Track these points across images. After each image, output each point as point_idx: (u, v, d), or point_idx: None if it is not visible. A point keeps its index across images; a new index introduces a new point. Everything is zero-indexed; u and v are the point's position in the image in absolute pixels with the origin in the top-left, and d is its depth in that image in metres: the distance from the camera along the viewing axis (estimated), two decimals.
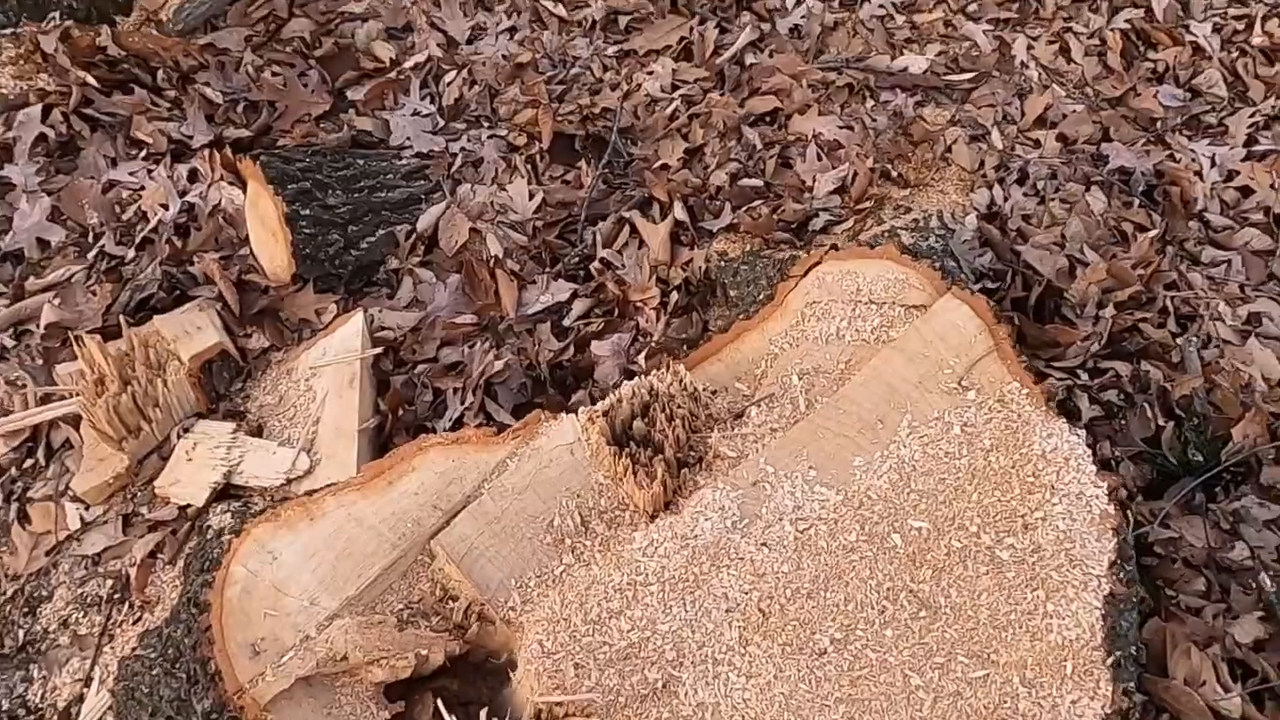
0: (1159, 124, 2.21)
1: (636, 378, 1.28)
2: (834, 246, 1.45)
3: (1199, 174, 2.12)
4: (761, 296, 1.46)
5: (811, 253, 1.39)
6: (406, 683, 1.15)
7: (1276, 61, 2.35)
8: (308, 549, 1.14)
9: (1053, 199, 2.01)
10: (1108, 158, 2.11)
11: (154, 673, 1.28)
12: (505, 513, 1.18)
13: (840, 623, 1.07)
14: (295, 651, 1.08)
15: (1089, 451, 1.19)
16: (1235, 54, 2.36)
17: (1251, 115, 2.23)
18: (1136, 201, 2.04)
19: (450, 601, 1.15)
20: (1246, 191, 2.10)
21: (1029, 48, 2.34)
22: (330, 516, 1.17)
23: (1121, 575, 1.13)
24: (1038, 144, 2.14)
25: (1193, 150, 2.16)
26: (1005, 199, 2.00)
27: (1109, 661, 1.05)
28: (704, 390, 1.31)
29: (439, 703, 1.06)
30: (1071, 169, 2.08)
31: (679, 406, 1.26)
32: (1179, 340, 1.74)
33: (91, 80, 2.07)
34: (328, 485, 1.22)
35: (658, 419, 1.24)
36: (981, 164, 2.08)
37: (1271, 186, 2.09)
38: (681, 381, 1.28)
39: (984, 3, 2.44)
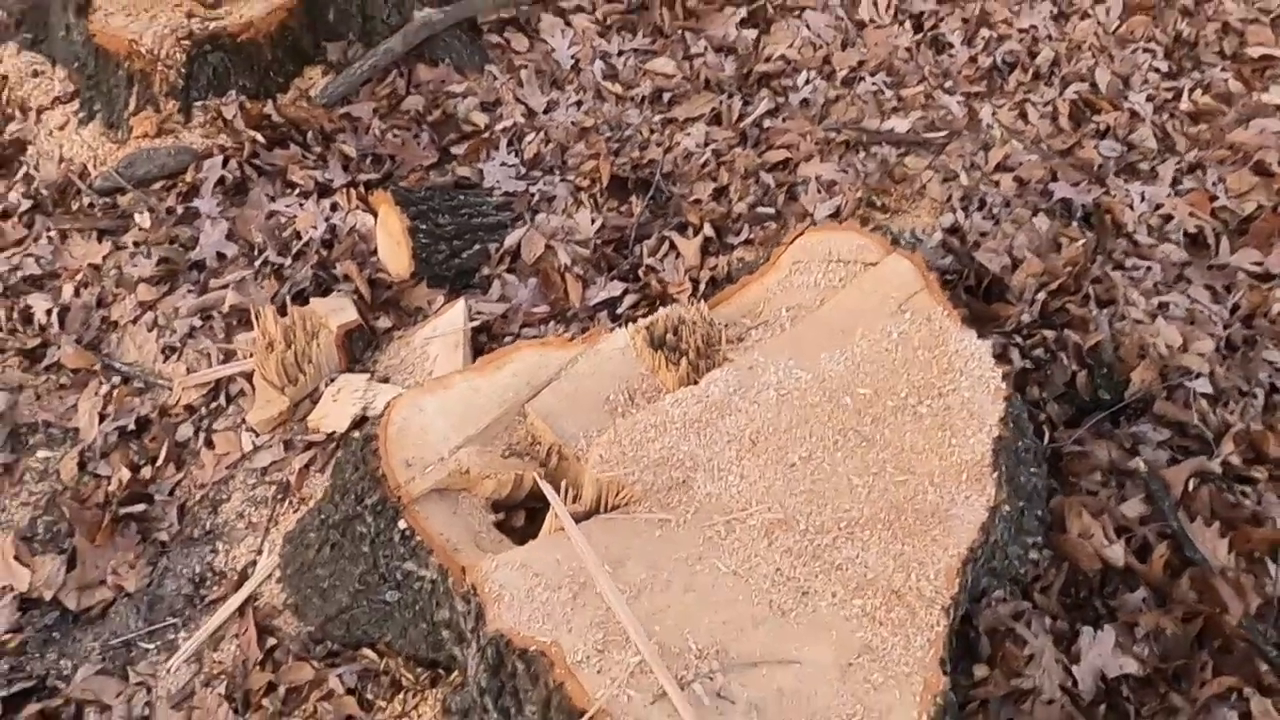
0: (1099, 168, 2.73)
1: (670, 306, 1.81)
2: (813, 221, 1.97)
3: (1130, 205, 2.62)
4: (761, 261, 1.99)
5: (797, 227, 1.92)
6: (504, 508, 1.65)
7: (1200, 121, 2.87)
8: (442, 404, 1.66)
9: (1005, 221, 2.53)
10: (1054, 193, 2.62)
11: (319, 521, 1.80)
12: (576, 389, 1.70)
13: (806, 448, 1.55)
14: (434, 466, 1.59)
15: (989, 348, 1.67)
16: (1166, 117, 2.89)
17: (1178, 162, 2.74)
18: (1075, 223, 2.55)
19: (537, 444, 1.66)
20: (1168, 218, 2.59)
21: (994, 113, 2.89)
22: (457, 387, 1.69)
23: (1009, 427, 1.60)
24: (997, 184, 2.67)
25: (1126, 189, 2.67)
26: (966, 220, 2.52)
27: (994, 475, 1.52)
28: (717, 321, 1.83)
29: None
30: (1023, 200, 2.60)
31: (699, 327, 1.77)
32: (1097, 315, 2.22)
33: (259, 139, 2.71)
34: (456, 371, 1.74)
35: (684, 333, 1.76)
36: (949, 196, 2.61)
37: (1190, 214, 2.58)
38: (701, 311, 1.80)
39: (957, 80, 3.01)
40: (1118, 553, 1.76)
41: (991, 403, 1.60)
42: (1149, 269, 2.44)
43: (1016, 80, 3.00)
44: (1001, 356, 2.09)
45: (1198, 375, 2.10)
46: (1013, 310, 2.22)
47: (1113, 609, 1.75)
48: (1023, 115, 2.90)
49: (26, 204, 2.67)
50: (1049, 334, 2.16)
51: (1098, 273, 2.37)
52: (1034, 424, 1.96)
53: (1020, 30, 3.15)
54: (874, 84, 2.98)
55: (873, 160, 2.73)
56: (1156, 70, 3.03)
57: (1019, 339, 2.15)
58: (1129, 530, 1.83)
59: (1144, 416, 2.05)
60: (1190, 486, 1.89)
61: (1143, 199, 2.63)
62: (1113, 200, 2.62)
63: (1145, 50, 3.08)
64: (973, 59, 3.07)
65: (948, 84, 3.00)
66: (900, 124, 2.84)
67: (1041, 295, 2.25)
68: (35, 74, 2.98)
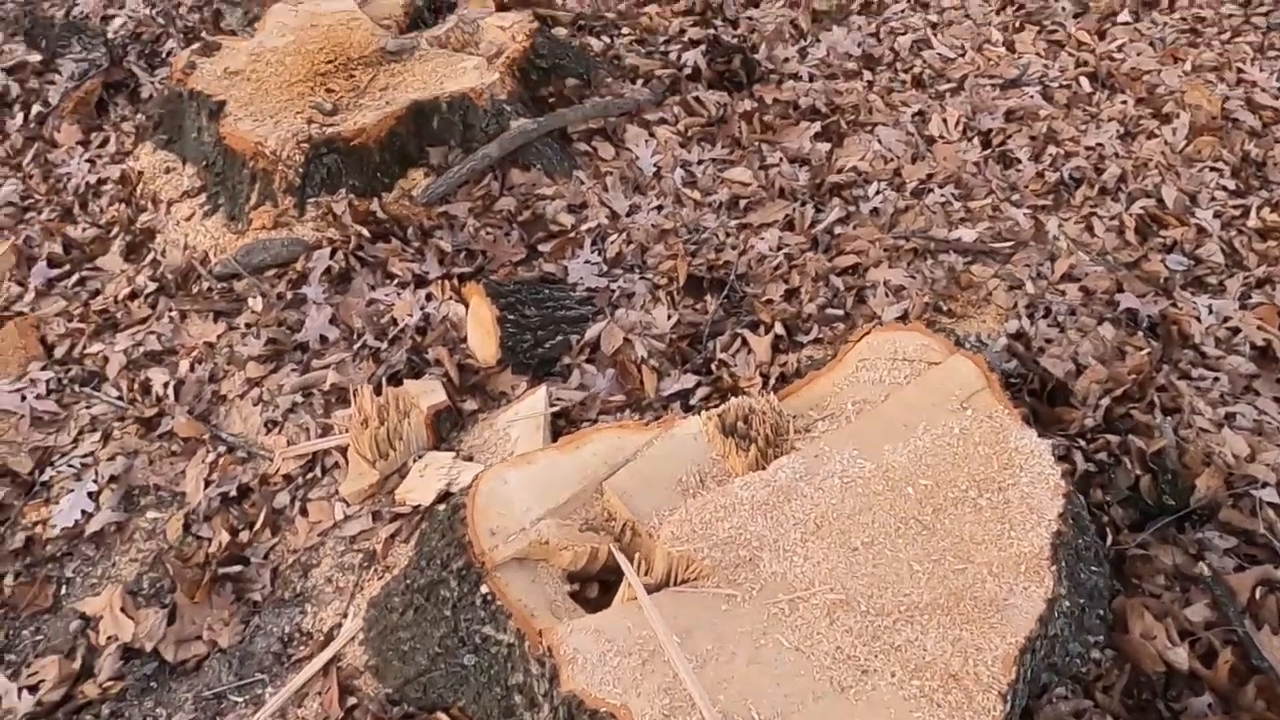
0: (1165, 281, 2.80)
1: (741, 397, 1.92)
2: (880, 323, 2.07)
3: (1197, 317, 2.67)
4: (829, 358, 2.09)
5: (864, 326, 2.02)
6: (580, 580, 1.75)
7: (1268, 238, 2.93)
8: (526, 478, 1.78)
9: (1070, 328, 2.60)
10: (1119, 303, 2.69)
11: (404, 586, 1.91)
12: (651, 470, 1.80)
13: (868, 533, 1.63)
14: (516, 535, 1.70)
15: (1049, 446, 1.74)
16: (1233, 233, 2.95)
17: (1245, 277, 2.79)
18: (1140, 333, 2.60)
19: (612, 520, 1.76)
20: (1236, 331, 2.63)
21: (1060, 225, 2.99)
22: (540, 463, 1.81)
23: (1068, 523, 1.65)
24: (1063, 293, 2.75)
25: (1194, 301, 2.72)
26: (1032, 327, 2.60)
27: (1052, 569, 1.57)
28: (785, 412, 1.93)
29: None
30: (1088, 309, 2.67)
31: (768, 416, 1.87)
32: (1161, 422, 2.26)
33: (364, 233, 2.94)
34: (539, 449, 1.86)
35: (753, 422, 1.86)
36: (1015, 304, 2.69)
37: (1258, 328, 2.62)
38: (771, 402, 1.91)
39: (1024, 193, 3.13)
40: (1182, 656, 1.77)
41: (1050, 498, 1.66)
42: (1216, 379, 2.47)
43: (1083, 195, 3.10)
44: (1064, 458, 2.15)
45: (1265, 484, 2.12)
46: (1076, 414, 2.27)
47: (1176, 713, 1.75)
48: (1089, 228, 2.98)
49: (152, 286, 2.92)
50: (1113, 439, 2.20)
51: (1163, 381, 2.41)
52: (1097, 526, 2.00)
53: (1087, 148, 3.27)
54: (942, 195, 3.11)
55: (940, 267, 2.84)
56: (1224, 188, 3.11)
57: (1082, 442, 2.20)
58: (1193, 634, 1.84)
59: (1209, 523, 2.07)
60: (1257, 594, 1.90)
61: (1210, 311, 2.68)
62: (1179, 312, 2.67)
63: (1212, 169, 3.16)
64: (1040, 174, 3.19)
65: (1014, 197, 3.12)
66: (967, 233, 2.95)
67: (1105, 401, 2.30)
68: (167, 170, 3.28)
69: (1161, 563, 1.98)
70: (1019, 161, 3.24)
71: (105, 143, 3.60)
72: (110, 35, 4.20)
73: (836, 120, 3.43)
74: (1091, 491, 2.12)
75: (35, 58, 3.91)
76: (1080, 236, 2.96)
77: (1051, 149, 3.27)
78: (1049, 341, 2.55)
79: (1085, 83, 3.56)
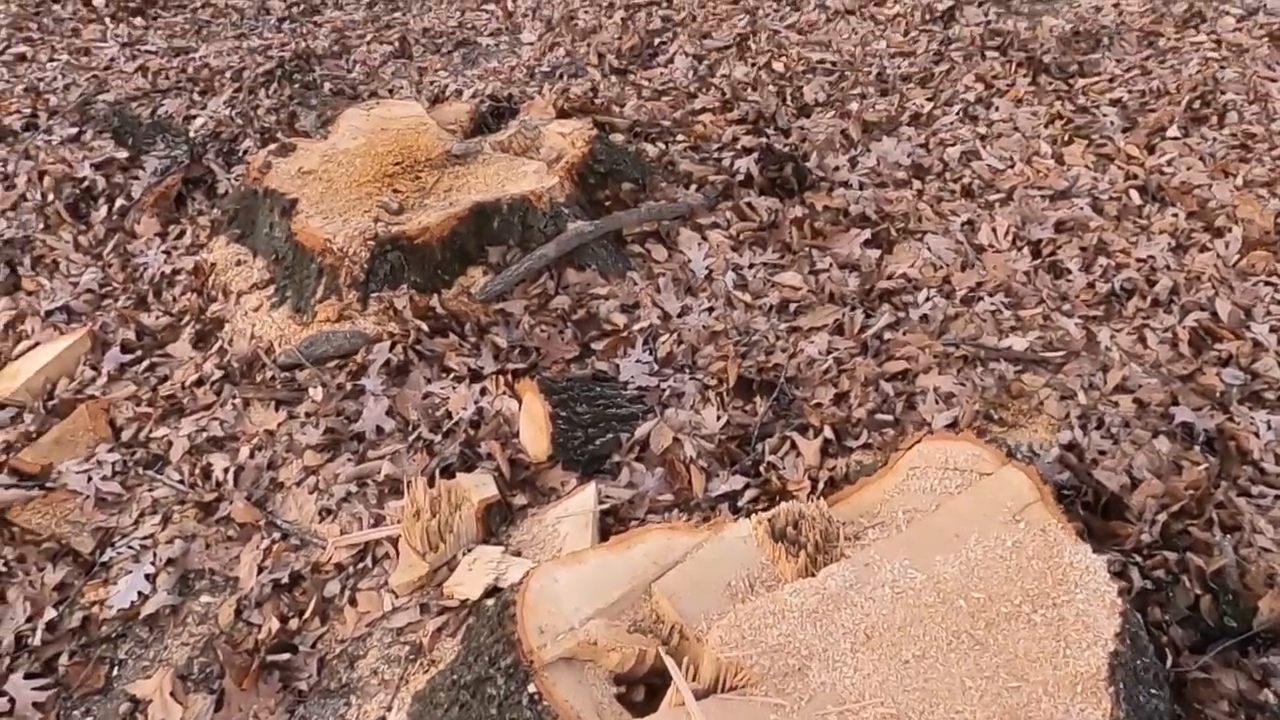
0: (1221, 395, 2.77)
1: (791, 501, 1.92)
2: (930, 430, 2.08)
3: (1255, 433, 2.64)
4: (879, 464, 2.10)
5: (915, 434, 2.03)
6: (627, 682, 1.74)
7: None
8: (576, 577, 1.79)
9: (1124, 441, 2.57)
10: (1174, 416, 2.66)
11: (450, 681, 1.92)
12: (700, 573, 1.81)
13: (919, 646, 1.61)
14: (565, 634, 1.70)
15: (1104, 563, 1.72)
16: None
17: None
18: (1197, 448, 2.57)
19: (660, 623, 1.76)
20: None
21: (1112, 336, 2.98)
22: (590, 562, 1.83)
23: (1125, 643, 1.62)
24: (1116, 404, 2.73)
25: (1251, 416, 2.69)
26: (1084, 438, 2.58)
27: (1110, 690, 1.53)
28: (835, 519, 1.93)
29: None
30: (1142, 422, 2.65)
31: (818, 523, 1.88)
32: (1221, 540, 2.21)
33: (424, 327, 3.03)
34: (589, 547, 1.88)
35: (803, 528, 1.86)
36: (1067, 414, 2.68)
37: None
38: (821, 508, 1.91)
39: (1075, 303, 3.14)
40: None
41: (1107, 617, 1.63)
42: (1277, 498, 2.43)
43: (1135, 306, 3.11)
44: (1120, 574, 2.11)
45: None
46: (1132, 530, 2.24)
47: None
48: (1141, 340, 2.98)
49: (218, 374, 3.02)
50: (1170, 556, 2.16)
51: (1221, 498, 2.37)
52: (1156, 646, 1.95)
53: (1138, 260, 3.28)
54: (992, 303, 3.13)
55: (990, 375, 2.84)
56: (1279, 302, 3.09)
57: (1138, 559, 2.17)
58: None
59: (1274, 648, 2.01)
60: None
61: (1269, 427, 2.65)
62: (1237, 427, 2.64)
63: (1267, 283, 3.16)
64: (1090, 284, 3.20)
65: (1065, 306, 3.13)
66: (1018, 342, 2.96)
67: (1162, 516, 2.26)
68: (239, 262, 3.43)
69: (1224, 687, 1.92)
70: (1069, 272, 3.26)
71: (181, 235, 3.77)
72: (192, 134, 4.44)
73: (886, 228, 3.49)
74: (1149, 610, 2.07)
75: (122, 154, 4.14)
76: (1133, 348, 2.95)
77: (1102, 260, 3.29)
78: (1102, 453, 2.53)
79: (1135, 195, 3.59)
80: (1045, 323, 3.07)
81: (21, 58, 5.62)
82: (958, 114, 4.17)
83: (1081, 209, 3.54)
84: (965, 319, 3.08)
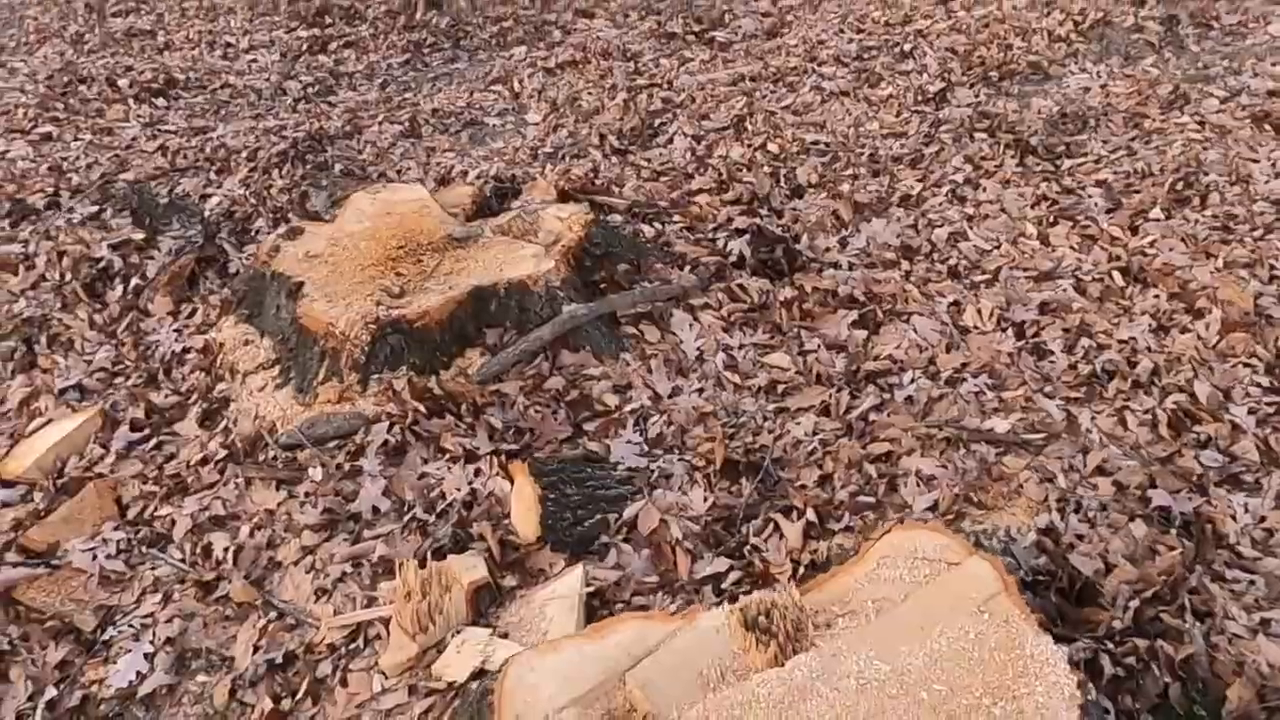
0: (1199, 478, 2.82)
1: (764, 590, 1.99)
2: (910, 513, 2.14)
3: (1233, 516, 2.68)
4: (852, 552, 2.16)
5: (885, 524, 2.09)
6: None
7: None
8: (552, 666, 1.86)
9: (1101, 525, 2.62)
10: (1152, 499, 2.72)
11: None
12: (673, 662, 1.86)
13: None
14: None
15: (1065, 654, 1.77)
16: (1269, 430, 2.98)
17: None
18: (1174, 532, 2.62)
19: (633, 711, 1.81)
20: (1273, 532, 2.63)
21: (1093, 418, 3.05)
22: (566, 651, 1.89)
23: None
24: (1095, 487, 2.79)
25: (1229, 499, 2.74)
26: (1062, 522, 2.63)
27: None
28: (807, 607, 1.99)
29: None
30: (1120, 505, 2.70)
31: (789, 612, 1.94)
32: (1191, 626, 2.25)
33: (421, 409, 3.12)
34: (566, 635, 1.94)
35: (775, 617, 1.93)
36: (1046, 497, 2.74)
37: None
38: (793, 597, 1.97)
39: (1057, 385, 3.21)
40: None
41: (1066, 709, 1.68)
42: (1251, 583, 2.47)
43: (1116, 388, 3.17)
44: (1091, 662, 2.15)
45: None
46: (1105, 616, 2.28)
47: None
48: (1122, 422, 3.04)
49: (222, 453, 3.11)
50: (1141, 643, 2.20)
51: (1195, 583, 2.42)
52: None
53: (1120, 341, 3.36)
54: (976, 385, 3.21)
55: (972, 458, 2.91)
56: (1258, 384, 3.15)
57: (1110, 645, 2.21)
58: None
59: None
60: None
61: (1245, 510, 2.70)
62: (1214, 510, 2.69)
63: (1246, 365, 3.22)
64: (1073, 366, 3.28)
65: (1048, 388, 3.20)
66: (1000, 424, 3.03)
67: (1135, 602, 2.31)
68: (246, 342, 3.54)
69: None
70: (1052, 353, 3.34)
71: (193, 314, 3.90)
72: (207, 213, 4.60)
73: (874, 309, 3.58)
74: (1120, 698, 2.11)
75: (139, 235, 4.30)
76: (1113, 430, 3.01)
77: (1085, 341, 3.37)
78: (1079, 538, 2.58)
79: (1118, 277, 3.68)
80: (1027, 404, 3.14)
81: (47, 137, 5.84)
82: (946, 195, 4.29)
83: (1065, 290, 3.63)
84: (949, 400, 3.16)
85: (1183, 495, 2.74)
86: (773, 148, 4.83)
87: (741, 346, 3.46)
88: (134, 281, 4.07)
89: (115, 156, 5.52)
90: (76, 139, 5.78)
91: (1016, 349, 3.37)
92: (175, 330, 3.81)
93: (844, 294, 3.68)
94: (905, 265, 3.87)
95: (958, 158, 4.55)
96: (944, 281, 3.75)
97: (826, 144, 4.85)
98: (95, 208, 4.80)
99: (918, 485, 2.79)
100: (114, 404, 3.40)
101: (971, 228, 4.05)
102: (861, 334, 3.47)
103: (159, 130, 5.88)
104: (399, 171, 5.01)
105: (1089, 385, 3.21)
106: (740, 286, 3.73)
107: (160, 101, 6.34)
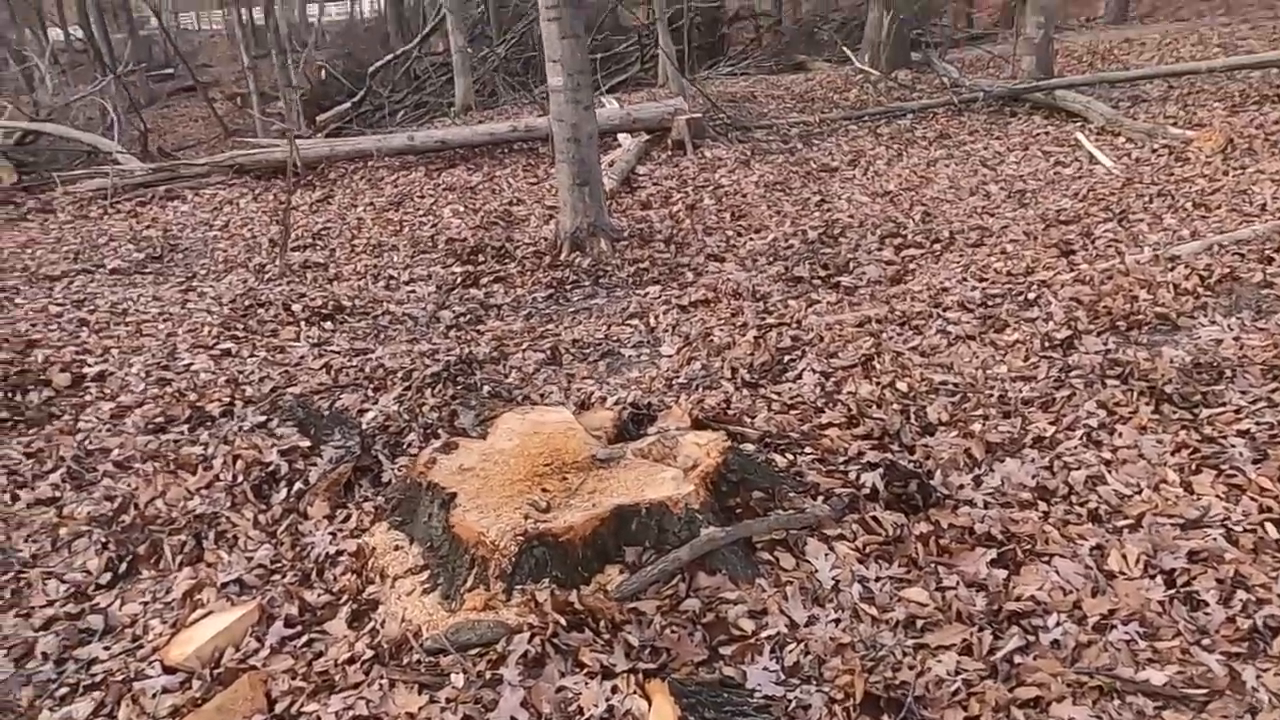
0: None
1: None
2: None
3: None
4: None
5: None
6: None
7: None
8: None
9: None
10: None
11: None
12: None
13: None
14: None
15: None
16: None
17: None
18: None
19: None
20: None
21: (1258, 676, 2.89)
22: None
23: None
24: None
25: None
26: None
27: None
28: None
29: None
30: None
31: None
32: None
33: (561, 621, 3.20)
34: None
35: None
36: None
37: None
38: None
39: (1215, 639, 3.07)
40: None
41: None
42: None
43: None
44: None
45: None
46: None
47: None
48: None
49: (369, 654, 3.22)
50: None
51: None
52: None
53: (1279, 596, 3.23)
54: (1126, 633, 3.10)
55: (1129, 710, 2.78)
56: None
57: None
58: None
59: None
60: None
61: None
62: None
63: None
64: (1230, 619, 3.14)
65: (1205, 641, 3.07)
66: (1156, 675, 2.90)
67: None
68: (396, 548, 3.73)
69: None
70: (1206, 604, 3.22)
71: (347, 519, 4.14)
72: (364, 426, 4.96)
73: (1013, 548, 3.55)
74: None
75: (305, 443, 4.65)
76: None
77: (1241, 594, 3.24)
78: None
79: (1271, 529, 3.57)
80: (1184, 657, 3.01)
81: (227, 353, 6.47)
82: (1081, 439, 4.30)
83: (1215, 540, 3.53)
84: (1099, 647, 3.05)
85: None
86: (901, 386, 4.97)
87: (878, 579, 3.46)
88: (297, 486, 4.38)
89: (285, 372, 6.07)
90: (252, 355, 6.40)
91: (1167, 597, 3.26)
92: (330, 533, 4.05)
93: (981, 532, 3.67)
94: (1043, 506, 3.85)
95: (1090, 403, 4.59)
96: (1084, 525, 3.70)
97: (955, 384, 4.96)
98: (264, 417, 5.24)
99: None
100: (271, 599, 3.59)
101: (1110, 472, 4.02)
102: (1001, 573, 3.43)
103: (325, 350, 6.45)
104: (542, 395, 5.33)
105: (1251, 640, 3.07)
106: (875, 519, 3.76)
107: (328, 325, 6.98)
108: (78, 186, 13.23)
